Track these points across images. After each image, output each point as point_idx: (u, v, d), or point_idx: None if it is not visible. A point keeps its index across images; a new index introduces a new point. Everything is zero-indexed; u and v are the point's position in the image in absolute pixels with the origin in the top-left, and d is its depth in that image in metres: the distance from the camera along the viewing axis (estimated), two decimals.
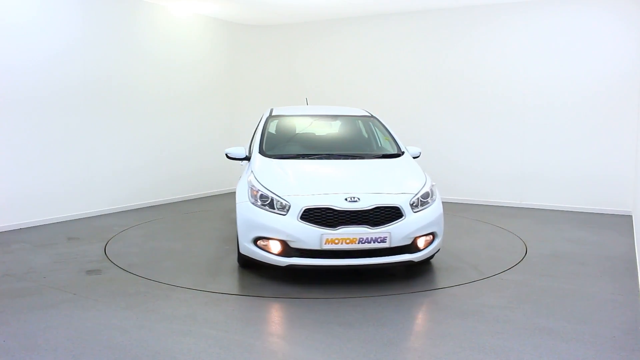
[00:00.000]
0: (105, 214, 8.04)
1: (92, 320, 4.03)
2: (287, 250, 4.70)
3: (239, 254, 5.15)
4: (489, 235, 6.90)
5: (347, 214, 4.65)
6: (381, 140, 6.20)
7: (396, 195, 4.88)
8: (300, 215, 4.65)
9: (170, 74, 9.17)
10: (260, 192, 4.91)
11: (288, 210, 4.71)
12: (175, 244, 6.39)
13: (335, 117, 6.56)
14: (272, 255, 4.76)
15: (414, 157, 5.95)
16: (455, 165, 9.25)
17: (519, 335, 3.75)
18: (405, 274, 5.19)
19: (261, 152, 5.69)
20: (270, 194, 4.84)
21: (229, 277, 5.12)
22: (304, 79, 10.46)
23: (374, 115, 6.47)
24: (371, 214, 4.69)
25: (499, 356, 3.44)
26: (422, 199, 4.97)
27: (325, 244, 4.59)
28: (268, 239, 4.75)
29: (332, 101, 9.87)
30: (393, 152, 5.88)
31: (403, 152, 5.86)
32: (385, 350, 3.52)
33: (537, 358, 3.42)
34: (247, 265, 5.24)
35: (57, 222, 7.42)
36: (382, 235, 4.65)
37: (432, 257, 5.36)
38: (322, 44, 10.28)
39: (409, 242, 4.80)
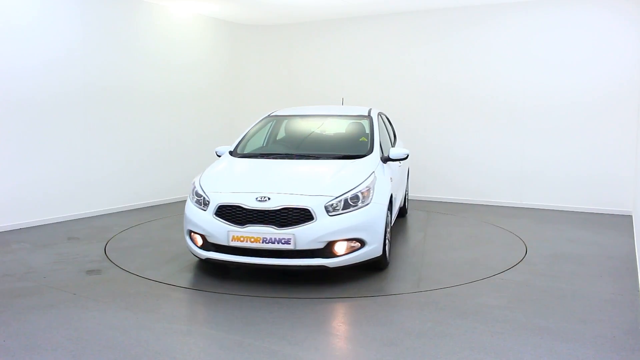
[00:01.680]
0: (105, 214, 8.04)
1: (92, 320, 4.03)
2: (206, 244, 4.94)
3: None
4: (489, 235, 6.90)
5: (255, 213, 4.69)
6: (357, 140, 5.99)
7: (310, 196, 4.72)
8: (214, 211, 4.85)
9: (170, 74, 9.17)
10: (195, 189, 5.20)
11: (208, 206, 4.92)
12: (169, 239, 6.39)
13: (327, 117, 6.53)
14: (196, 247, 5.04)
15: (399, 159, 5.78)
16: (455, 165, 9.25)
17: (519, 335, 3.75)
18: (405, 275, 5.19)
19: (232, 150, 5.99)
20: (201, 191, 5.09)
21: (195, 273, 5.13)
22: (304, 78, 10.46)
23: (371, 114, 6.36)
24: (278, 214, 4.65)
25: (499, 356, 3.44)
26: (351, 202, 4.78)
27: (232, 240, 4.71)
28: (195, 232, 5.01)
29: (333, 101, 9.88)
30: (356, 154, 5.59)
31: (368, 154, 5.57)
32: (385, 350, 3.52)
33: (537, 358, 3.42)
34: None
35: (57, 222, 7.42)
36: (286, 237, 4.58)
37: (382, 264, 5.13)
38: (322, 44, 10.28)
39: (320, 246, 4.62)
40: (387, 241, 5.30)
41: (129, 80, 8.44)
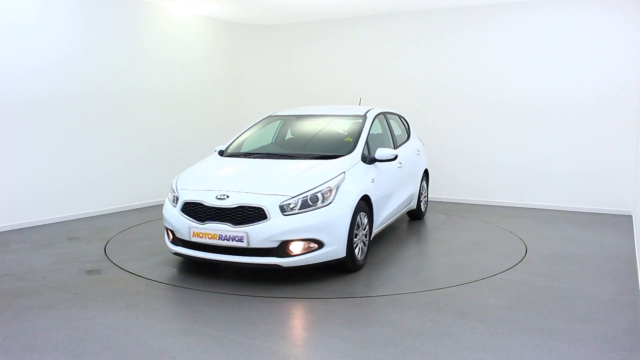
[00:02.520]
0: (105, 214, 8.04)
1: (92, 320, 4.03)
2: (175, 239, 5.14)
3: None
4: (488, 235, 6.90)
5: (214, 211, 4.82)
6: (342, 141, 5.91)
7: (265, 195, 4.74)
8: (181, 207, 5.04)
9: (170, 74, 9.17)
10: (172, 187, 5.38)
11: (177, 202, 5.12)
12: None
13: (323, 117, 6.51)
14: (168, 242, 5.27)
15: (385, 160, 5.67)
16: (455, 165, 9.25)
17: (519, 335, 3.75)
18: (405, 274, 5.19)
19: (222, 150, 6.12)
20: (175, 189, 5.27)
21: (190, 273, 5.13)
22: (304, 78, 10.46)
23: (367, 115, 6.29)
24: (234, 212, 4.73)
25: (499, 356, 3.44)
26: (310, 202, 4.74)
27: (193, 236, 4.87)
28: (167, 228, 5.23)
29: (332, 101, 9.88)
30: (335, 154, 5.49)
31: (348, 154, 5.46)
32: (385, 350, 3.52)
33: (537, 358, 3.42)
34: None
35: (57, 222, 7.42)
36: (240, 235, 4.66)
37: (348, 266, 5.01)
38: (322, 44, 10.28)
39: (274, 245, 4.63)
40: (362, 243, 5.24)
41: (129, 80, 8.43)
